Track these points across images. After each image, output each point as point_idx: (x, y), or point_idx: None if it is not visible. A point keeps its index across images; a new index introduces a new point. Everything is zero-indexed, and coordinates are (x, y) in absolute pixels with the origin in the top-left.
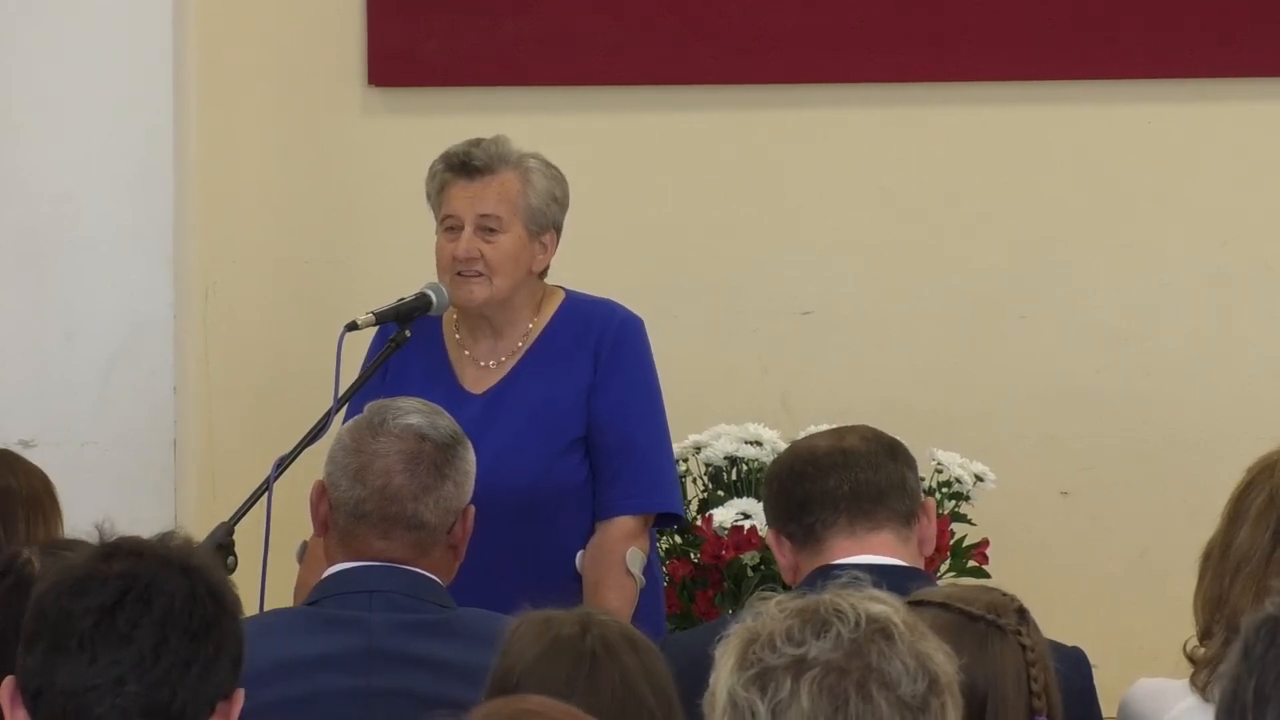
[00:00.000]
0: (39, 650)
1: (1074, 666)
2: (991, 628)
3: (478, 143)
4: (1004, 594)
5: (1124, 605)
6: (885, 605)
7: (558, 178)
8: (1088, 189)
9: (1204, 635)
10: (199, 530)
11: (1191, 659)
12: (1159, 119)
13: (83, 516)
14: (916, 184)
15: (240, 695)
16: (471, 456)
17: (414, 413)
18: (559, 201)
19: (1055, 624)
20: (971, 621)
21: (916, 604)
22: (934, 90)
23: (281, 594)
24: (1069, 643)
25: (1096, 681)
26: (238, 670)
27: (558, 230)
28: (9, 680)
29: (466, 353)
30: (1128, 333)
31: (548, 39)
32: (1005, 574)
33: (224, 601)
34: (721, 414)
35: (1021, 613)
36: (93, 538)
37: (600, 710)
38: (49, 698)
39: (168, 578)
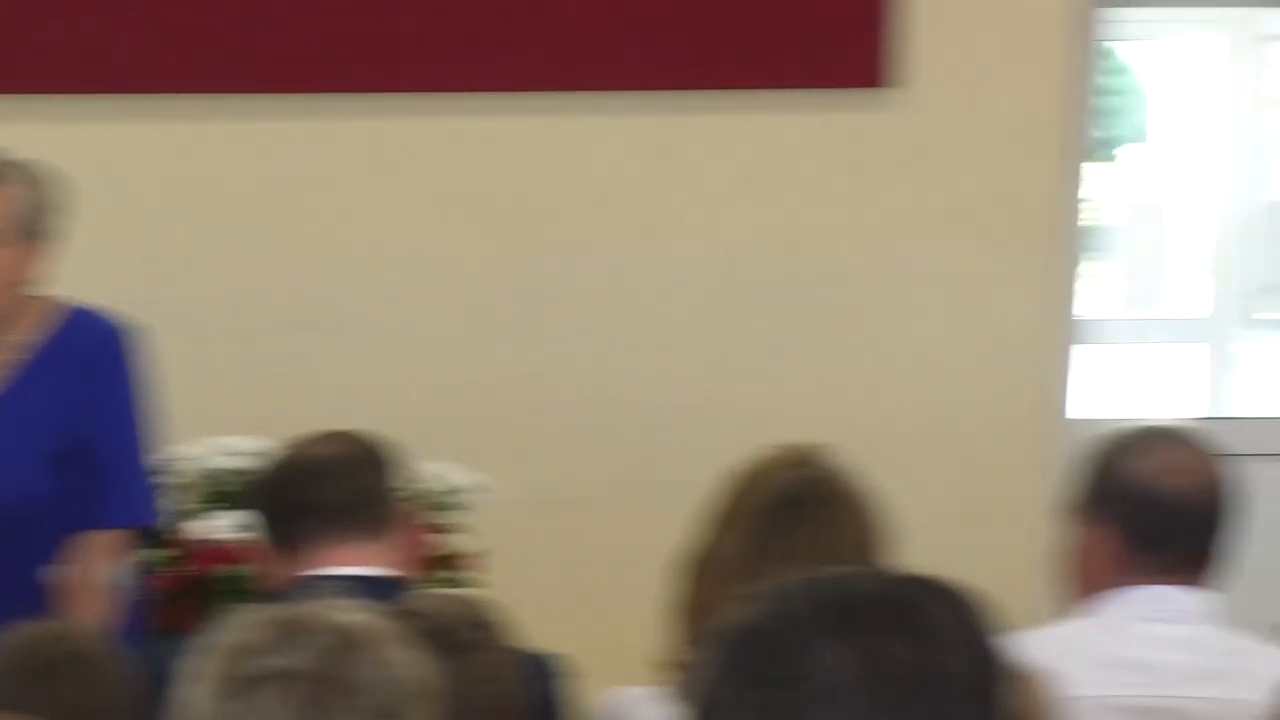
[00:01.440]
0: None
1: (540, 673)
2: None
3: None
4: (471, 606)
5: (610, 613)
6: (361, 615)
7: (42, 183)
8: (581, 202)
9: (680, 642)
10: None
11: (666, 666)
12: (649, 131)
13: None
14: (400, 194)
15: None
16: None
17: None
18: (46, 208)
19: (543, 632)
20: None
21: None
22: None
23: None
24: (557, 651)
25: (580, 690)
26: None
27: (52, 237)
28: None
29: None
30: (632, 343)
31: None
32: (502, 584)
33: None
34: (212, 425)
35: (479, 626)
36: None
37: None
38: None
39: None
